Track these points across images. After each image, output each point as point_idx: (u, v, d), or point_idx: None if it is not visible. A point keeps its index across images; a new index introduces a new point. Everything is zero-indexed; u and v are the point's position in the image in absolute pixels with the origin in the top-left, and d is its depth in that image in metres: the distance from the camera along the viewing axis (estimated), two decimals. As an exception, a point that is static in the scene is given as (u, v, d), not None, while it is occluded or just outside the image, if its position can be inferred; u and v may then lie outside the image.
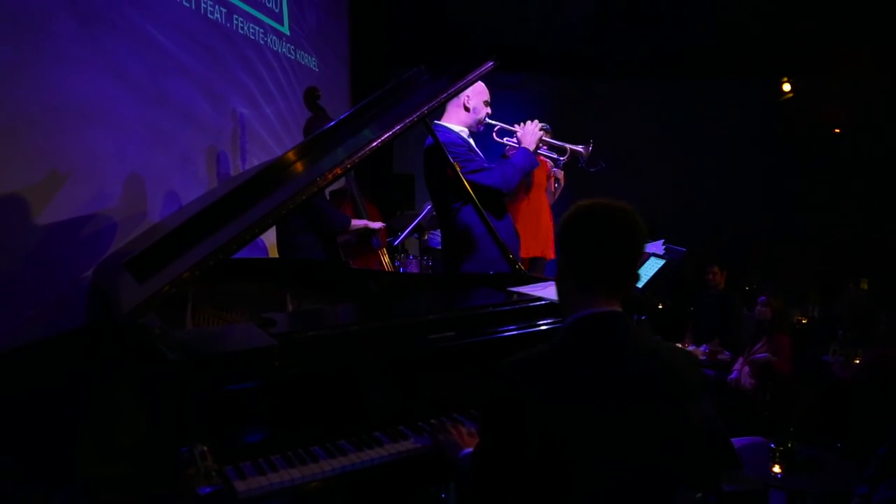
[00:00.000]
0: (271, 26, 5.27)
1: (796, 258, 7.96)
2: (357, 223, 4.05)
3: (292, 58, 5.61)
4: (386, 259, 4.29)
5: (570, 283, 1.41)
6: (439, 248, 5.38)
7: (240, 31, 4.81)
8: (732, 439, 3.46)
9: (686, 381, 1.40)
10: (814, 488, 3.04)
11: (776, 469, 3.02)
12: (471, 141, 3.26)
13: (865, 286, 6.32)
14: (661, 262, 3.82)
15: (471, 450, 1.50)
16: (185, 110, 4.21)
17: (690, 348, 5.42)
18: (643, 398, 1.31)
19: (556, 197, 4.58)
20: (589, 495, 1.29)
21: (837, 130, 9.84)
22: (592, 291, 1.37)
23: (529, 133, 3.28)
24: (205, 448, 1.38)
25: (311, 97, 4.08)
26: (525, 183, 4.21)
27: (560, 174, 4.47)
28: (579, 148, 3.41)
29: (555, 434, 1.26)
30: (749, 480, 3.13)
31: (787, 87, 9.05)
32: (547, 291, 2.25)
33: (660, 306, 6.69)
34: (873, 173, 9.24)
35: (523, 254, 3.77)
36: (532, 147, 3.26)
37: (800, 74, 8.94)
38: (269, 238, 4.43)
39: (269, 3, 5.27)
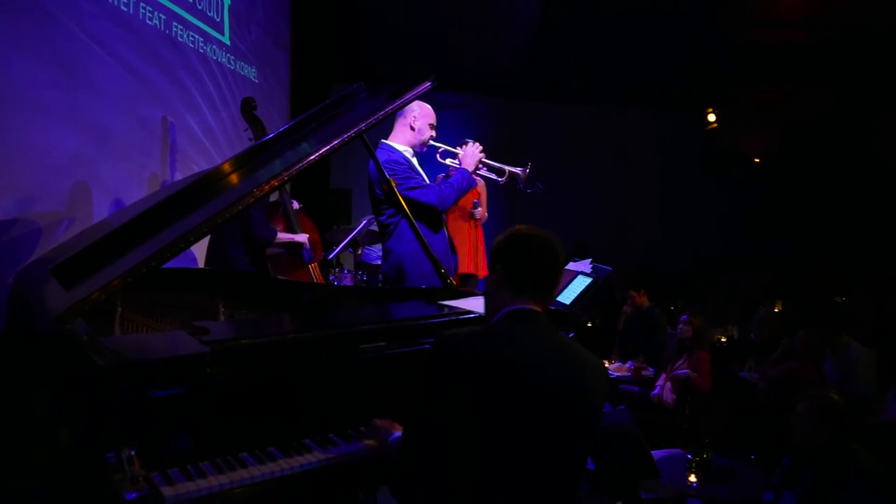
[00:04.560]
0: (212, 35, 5.23)
1: (718, 280, 8.33)
2: (283, 236, 4.05)
3: (232, 68, 5.58)
4: (317, 274, 4.28)
5: (506, 292, 1.64)
6: (373, 262, 5.43)
7: (179, 38, 4.76)
8: (653, 451, 3.62)
9: (593, 369, 1.63)
10: (726, 496, 3.21)
11: (692, 478, 3.17)
12: (414, 160, 3.37)
13: (779, 308, 6.66)
14: (588, 280, 3.97)
15: (401, 433, 1.64)
16: (120, 110, 4.13)
17: (616, 364, 5.60)
18: (558, 378, 1.53)
19: (482, 216, 4.75)
20: (500, 463, 1.45)
21: (757, 160, 10.40)
22: (524, 298, 1.62)
23: (469, 155, 3.41)
24: (132, 453, 1.38)
25: (247, 108, 4.06)
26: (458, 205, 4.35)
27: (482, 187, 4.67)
28: (517, 170, 3.54)
29: (478, 402, 1.44)
30: (666, 489, 3.28)
31: (712, 117, 9.49)
32: (475, 305, 2.33)
33: (589, 324, 6.88)
34: (791, 201, 9.81)
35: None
36: (471, 168, 3.39)
37: (723, 106, 9.40)
38: (199, 249, 4.37)
39: (210, 12, 5.24)
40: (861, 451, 2.65)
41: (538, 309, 1.62)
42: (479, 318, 2.20)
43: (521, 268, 1.63)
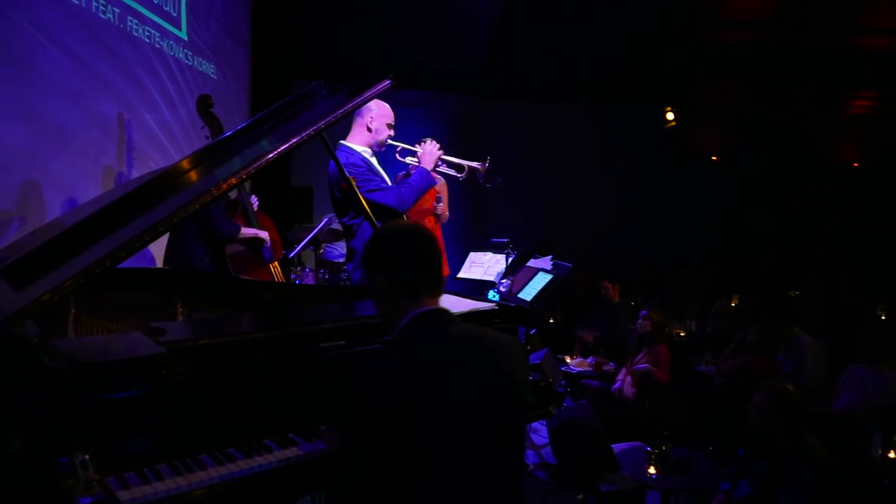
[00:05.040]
0: (168, 30, 5.14)
1: (676, 275, 8.49)
2: (246, 232, 4.01)
3: (190, 64, 5.48)
4: (278, 272, 4.25)
5: (399, 299, 1.59)
6: (335, 260, 5.40)
7: (134, 32, 4.66)
8: (613, 444, 3.68)
9: (508, 350, 1.61)
10: (684, 486, 3.29)
11: (651, 470, 3.23)
12: (373, 160, 3.36)
13: (736, 302, 6.83)
14: (548, 277, 4.03)
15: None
16: (73, 106, 4.03)
17: (578, 360, 5.67)
18: (480, 371, 1.52)
19: (443, 212, 4.76)
20: (444, 465, 1.44)
21: (714, 158, 10.64)
22: (419, 298, 1.58)
23: (428, 153, 3.43)
24: (86, 457, 1.36)
25: (203, 105, 3.99)
26: (419, 202, 4.35)
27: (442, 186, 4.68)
28: (476, 165, 3.57)
29: (410, 421, 1.42)
30: (626, 481, 3.34)
31: (670, 115, 9.66)
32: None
33: (550, 321, 6.96)
34: (747, 197, 10.06)
35: None
36: (430, 167, 3.41)
37: (681, 104, 9.59)
38: (156, 248, 4.30)
39: (166, 6, 5.14)
40: (811, 440, 2.74)
41: (436, 305, 1.60)
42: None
43: (409, 270, 1.59)
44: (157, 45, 4.98)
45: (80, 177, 4.12)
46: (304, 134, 2.17)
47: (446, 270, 4.70)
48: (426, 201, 4.62)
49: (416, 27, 6.98)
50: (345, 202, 3.29)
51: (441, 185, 4.75)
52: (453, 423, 1.45)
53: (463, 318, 2.18)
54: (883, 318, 6.39)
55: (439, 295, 1.63)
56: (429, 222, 4.63)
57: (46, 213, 3.76)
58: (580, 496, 3.82)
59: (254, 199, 4.31)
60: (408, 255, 1.61)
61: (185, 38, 5.42)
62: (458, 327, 1.59)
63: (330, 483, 1.73)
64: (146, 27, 4.80)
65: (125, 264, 1.80)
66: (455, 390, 1.47)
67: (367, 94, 2.47)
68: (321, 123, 2.24)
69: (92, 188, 4.16)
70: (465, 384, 1.48)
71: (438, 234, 4.69)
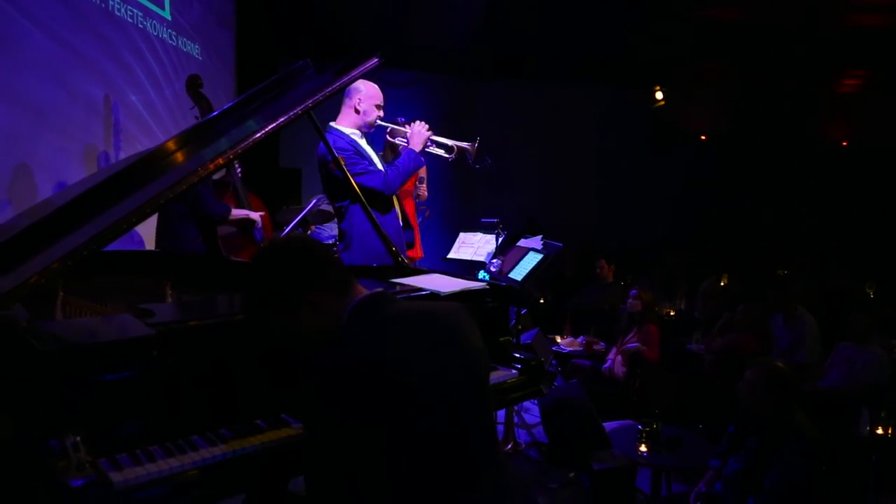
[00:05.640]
0: (152, 10, 5.05)
1: (666, 255, 8.53)
2: (237, 213, 3.99)
3: (174, 44, 5.41)
4: None
5: (331, 300, 1.52)
6: (325, 241, 5.38)
7: (117, 12, 4.58)
8: (605, 423, 3.71)
9: (454, 319, 1.57)
10: (675, 464, 3.33)
11: (643, 448, 3.26)
12: (362, 142, 3.36)
13: (725, 281, 6.87)
14: (539, 257, 4.04)
15: None
16: (56, 87, 3.96)
17: (569, 339, 5.70)
18: (433, 347, 1.48)
19: (424, 193, 4.76)
20: (415, 450, 1.40)
21: (703, 137, 10.65)
22: (346, 288, 1.55)
23: (417, 134, 3.43)
24: (77, 439, 1.35)
25: (193, 85, 3.96)
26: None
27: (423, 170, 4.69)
28: (466, 145, 3.55)
29: (370, 412, 1.38)
30: (617, 459, 3.37)
31: (659, 94, 9.63)
32: (426, 282, 2.34)
33: (541, 300, 6.98)
34: (737, 177, 10.09)
35: None
36: (419, 148, 3.40)
37: (670, 84, 9.56)
38: (145, 230, 4.26)
39: (149, -15, 5.06)
40: (799, 416, 2.77)
41: (363, 290, 1.56)
42: (431, 294, 2.21)
43: (320, 277, 1.52)
44: (141, 26, 4.90)
45: (67, 158, 4.07)
46: (291, 113, 2.15)
47: (420, 252, 4.73)
48: (409, 182, 4.62)
49: (403, 6, 6.90)
50: (334, 185, 3.29)
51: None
52: (415, 403, 1.41)
53: (454, 297, 2.19)
54: (871, 296, 6.45)
55: (354, 276, 1.60)
56: (409, 203, 4.62)
57: (31, 194, 3.72)
58: (572, 474, 3.86)
59: (238, 171, 4.28)
60: (314, 266, 1.54)
61: (169, 17, 5.34)
62: (398, 305, 1.57)
63: (305, 471, 1.71)
64: (129, 6, 4.72)
65: (113, 246, 1.78)
66: (409, 370, 1.42)
67: (355, 72, 2.44)
68: (308, 102, 2.22)
69: (77, 168, 4.11)
70: (418, 362, 1.44)
71: (412, 213, 4.69)
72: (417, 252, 4.61)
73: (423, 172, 4.76)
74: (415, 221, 4.70)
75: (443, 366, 1.47)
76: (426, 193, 4.88)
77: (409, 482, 1.40)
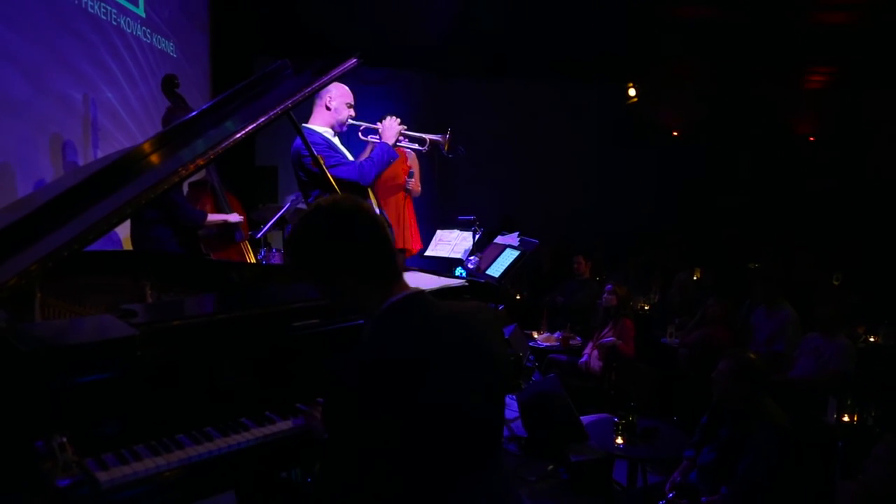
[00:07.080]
0: (126, 7, 5.00)
1: (640, 249, 8.63)
2: (214, 218, 3.98)
3: (148, 41, 5.35)
4: (248, 251, 4.24)
5: (370, 289, 1.49)
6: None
7: (90, 9, 4.53)
8: (582, 416, 3.78)
9: (487, 322, 1.57)
10: (650, 455, 3.40)
11: (619, 440, 3.32)
12: (335, 140, 3.38)
13: (698, 275, 6.98)
14: (515, 253, 4.09)
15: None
16: (30, 84, 3.91)
17: (545, 335, 5.76)
18: (465, 350, 1.47)
19: (415, 187, 4.77)
20: (434, 452, 1.42)
21: (675, 133, 10.79)
22: (388, 280, 1.51)
23: (388, 128, 3.47)
24: (64, 440, 1.36)
25: (169, 85, 3.93)
26: (391, 177, 4.38)
27: (413, 160, 4.71)
28: (437, 137, 3.61)
29: (402, 413, 1.37)
30: (594, 451, 3.44)
31: (632, 91, 9.73)
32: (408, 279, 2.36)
33: (517, 297, 7.04)
34: (709, 171, 10.24)
35: None
36: (391, 141, 3.45)
37: (642, 81, 9.67)
38: (124, 231, 4.23)
39: (122, -18, 5.00)
40: (769, 405, 2.85)
41: (407, 287, 1.53)
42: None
43: (368, 259, 1.48)
44: (115, 22, 4.85)
45: (42, 157, 4.02)
46: (270, 114, 2.17)
47: (419, 245, 4.77)
48: (398, 176, 4.64)
49: (379, 4, 6.89)
50: (309, 181, 3.31)
51: (413, 161, 4.76)
52: (447, 403, 1.42)
53: (433, 294, 2.22)
54: (837, 286, 6.60)
55: (401, 273, 1.57)
56: (400, 198, 4.64)
57: (5, 191, 3.67)
58: (550, 467, 3.92)
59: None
60: (362, 239, 1.48)
61: (143, 15, 5.28)
62: (438, 308, 1.53)
63: (310, 459, 1.73)
64: (102, 3, 4.67)
65: (92, 247, 1.78)
66: (446, 370, 1.43)
67: (334, 72, 2.47)
68: (288, 103, 2.23)
69: (51, 165, 4.07)
70: (455, 363, 1.45)
71: (409, 207, 4.71)
72: (416, 244, 4.68)
73: (413, 167, 4.77)
74: (411, 214, 4.72)
75: (476, 368, 1.48)
76: (419, 188, 4.88)
77: (417, 480, 1.42)
